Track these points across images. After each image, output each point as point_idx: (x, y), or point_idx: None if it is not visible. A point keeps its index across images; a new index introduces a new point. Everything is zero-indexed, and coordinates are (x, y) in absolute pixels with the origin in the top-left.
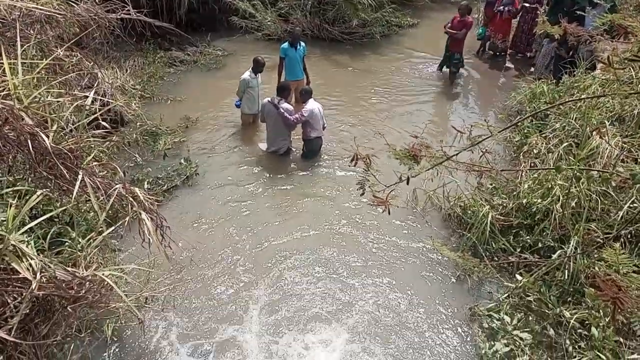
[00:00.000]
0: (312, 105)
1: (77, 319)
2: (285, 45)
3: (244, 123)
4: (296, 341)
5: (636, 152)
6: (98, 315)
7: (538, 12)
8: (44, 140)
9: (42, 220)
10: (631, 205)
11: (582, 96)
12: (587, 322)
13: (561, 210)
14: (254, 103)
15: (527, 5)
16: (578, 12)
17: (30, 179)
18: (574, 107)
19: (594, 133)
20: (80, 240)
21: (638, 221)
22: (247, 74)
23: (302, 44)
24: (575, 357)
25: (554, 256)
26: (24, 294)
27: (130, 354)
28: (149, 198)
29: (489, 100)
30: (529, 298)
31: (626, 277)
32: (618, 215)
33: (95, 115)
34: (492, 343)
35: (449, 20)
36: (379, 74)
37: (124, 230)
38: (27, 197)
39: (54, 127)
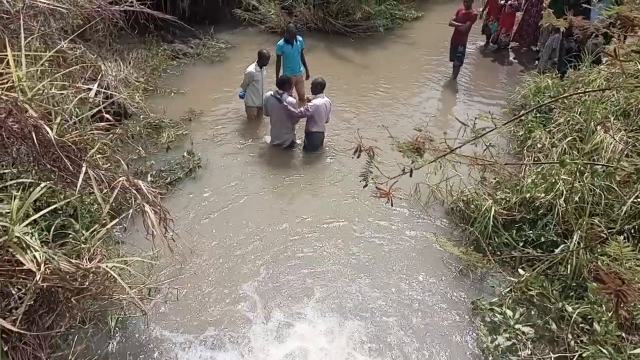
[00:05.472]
0: (320, 100)
1: (81, 310)
2: (281, 42)
3: (249, 116)
4: (300, 330)
5: None
6: (102, 306)
7: (544, 4)
8: (48, 133)
9: (46, 212)
10: (635, 200)
11: (587, 90)
12: (589, 316)
13: (564, 204)
14: (258, 96)
15: None
16: (583, 5)
17: (34, 171)
18: (578, 101)
19: (599, 127)
20: (84, 232)
21: None
22: (252, 67)
23: (300, 38)
24: (577, 351)
25: (557, 251)
26: (29, 285)
27: (134, 345)
28: (152, 191)
29: (493, 94)
30: (531, 292)
31: (630, 271)
32: (622, 210)
33: (99, 107)
34: (494, 337)
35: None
36: (382, 67)
37: (128, 222)
38: (31, 189)
39: (58, 120)
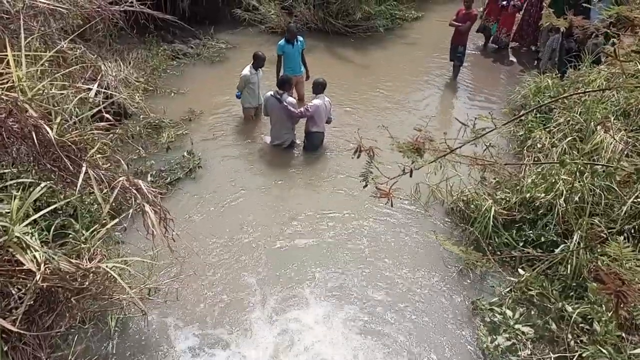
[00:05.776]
0: (319, 100)
1: (80, 310)
2: (282, 42)
3: (246, 117)
4: (298, 316)
5: None
6: (102, 306)
7: (544, 4)
8: (48, 133)
9: (46, 212)
10: (635, 200)
11: (587, 90)
12: (589, 316)
13: (564, 204)
14: (254, 97)
15: None
16: (583, 4)
17: (34, 171)
18: (578, 101)
19: (599, 127)
20: (84, 232)
21: None
22: (247, 70)
23: (300, 38)
24: (577, 351)
25: (557, 251)
26: (28, 285)
27: (134, 345)
28: (153, 190)
29: (493, 94)
30: (531, 292)
31: (630, 271)
32: (622, 210)
33: (99, 107)
34: (494, 337)
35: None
36: (382, 67)
37: (128, 222)
38: (31, 189)
39: (58, 120)
